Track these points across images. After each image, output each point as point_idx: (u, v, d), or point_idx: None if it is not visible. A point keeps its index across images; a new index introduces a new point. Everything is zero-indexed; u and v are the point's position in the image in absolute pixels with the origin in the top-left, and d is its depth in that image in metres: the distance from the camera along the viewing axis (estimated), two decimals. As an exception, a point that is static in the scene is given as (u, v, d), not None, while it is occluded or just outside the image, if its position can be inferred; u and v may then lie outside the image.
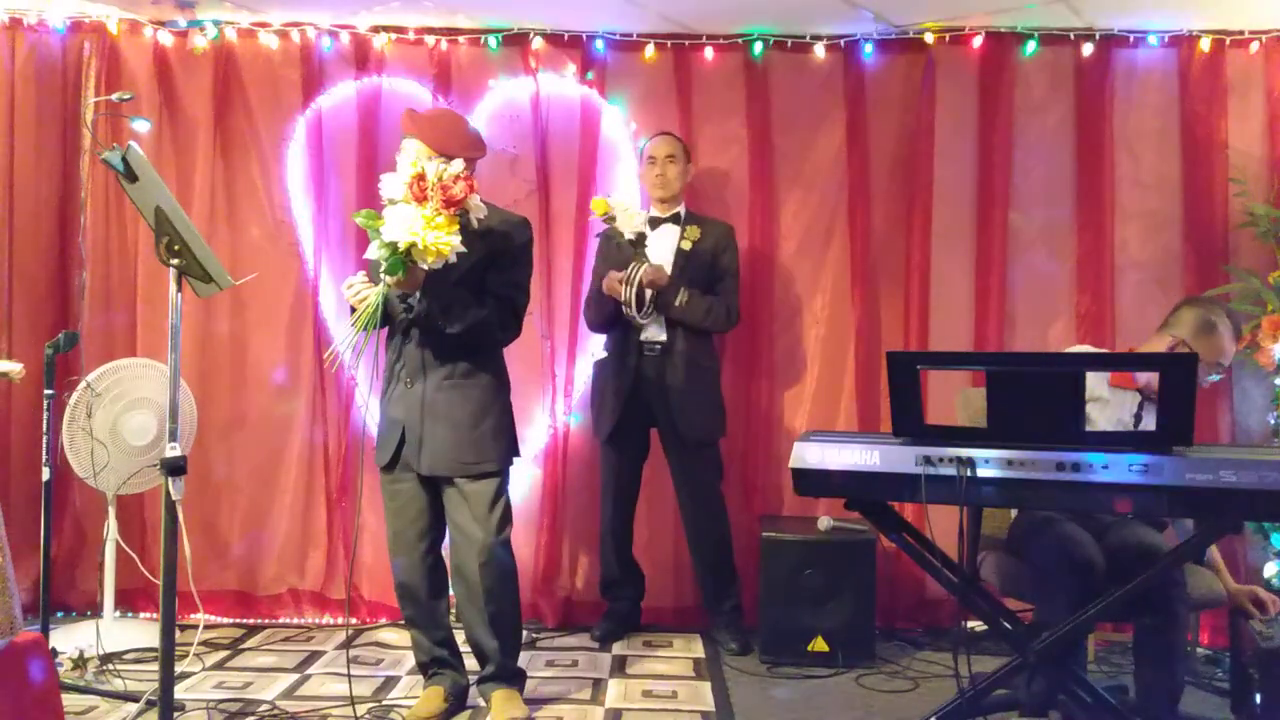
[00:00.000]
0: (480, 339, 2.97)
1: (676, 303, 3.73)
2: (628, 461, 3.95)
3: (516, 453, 3.13)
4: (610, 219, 3.64)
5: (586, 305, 4.00)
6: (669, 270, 3.75)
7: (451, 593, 3.14)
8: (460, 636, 3.19)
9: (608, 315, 3.83)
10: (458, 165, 2.72)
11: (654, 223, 3.85)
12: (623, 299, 3.71)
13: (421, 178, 2.63)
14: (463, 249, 2.72)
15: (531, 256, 3.16)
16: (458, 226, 2.67)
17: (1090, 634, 3.24)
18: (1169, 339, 2.94)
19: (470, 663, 3.23)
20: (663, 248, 3.81)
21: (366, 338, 2.77)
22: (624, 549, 3.99)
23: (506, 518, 3.04)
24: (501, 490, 3.03)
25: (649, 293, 3.71)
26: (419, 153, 2.83)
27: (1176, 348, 2.91)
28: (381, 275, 2.74)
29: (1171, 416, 2.39)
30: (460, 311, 2.89)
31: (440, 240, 2.62)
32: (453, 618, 3.20)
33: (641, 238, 3.67)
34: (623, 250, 3.75)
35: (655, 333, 3.81)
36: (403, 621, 4.02)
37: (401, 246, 2.63)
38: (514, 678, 3.11)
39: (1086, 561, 2.74)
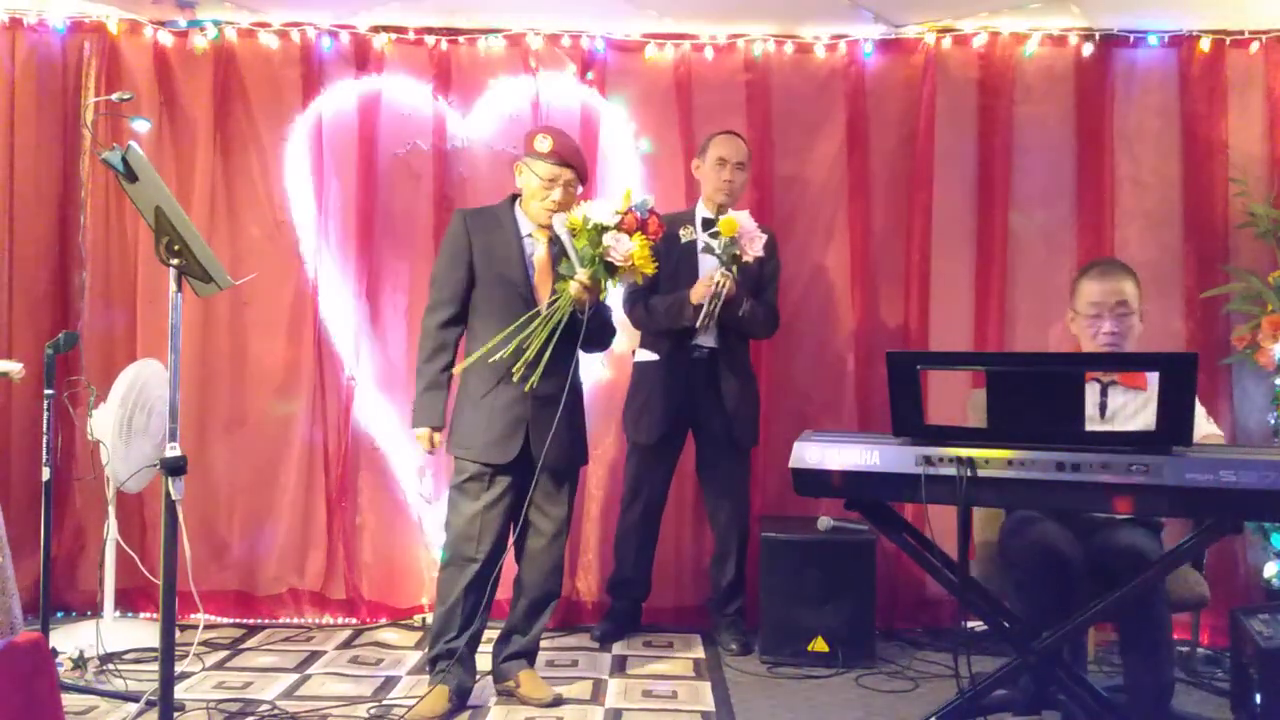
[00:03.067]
0: (603, 342, 3.37)
1: (741, 312, 3.69)
2: (667, 464, 3.93)
3: None
4: (728, 243, 3.52)
5: (642, 308, 3.82)
6: None
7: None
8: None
9: (678, 323, 3.73)
10: (650, 201, 3.13)
11: (706, 224, 3.75)
12: (704, 312, 3.61)
13: (631, 212, 3.02)
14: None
15: None
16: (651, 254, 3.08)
17: (1088, 633, 3.24)
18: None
19: (481, 663, 3.27)
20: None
21: (550, 347, 3.04)
22: (648, 551, 3.97)
23: None
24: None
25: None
26: (570, 180, 3.14)
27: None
28: (577, 282, 3.01)
29: (1171, 416, 2.39)
30: (601, 325, 3.27)
31: (647, 265, 3.05)
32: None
33: (755, 260, 3.61)
34: (676, 255, 3.70)
35: (705, 339, 3.78)
36: (412, 621, 4.08)
37: (623, 264, 3.00)
38: (536, 654, 3.38)
39: (1057, 557, 2.76)
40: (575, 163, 3.17)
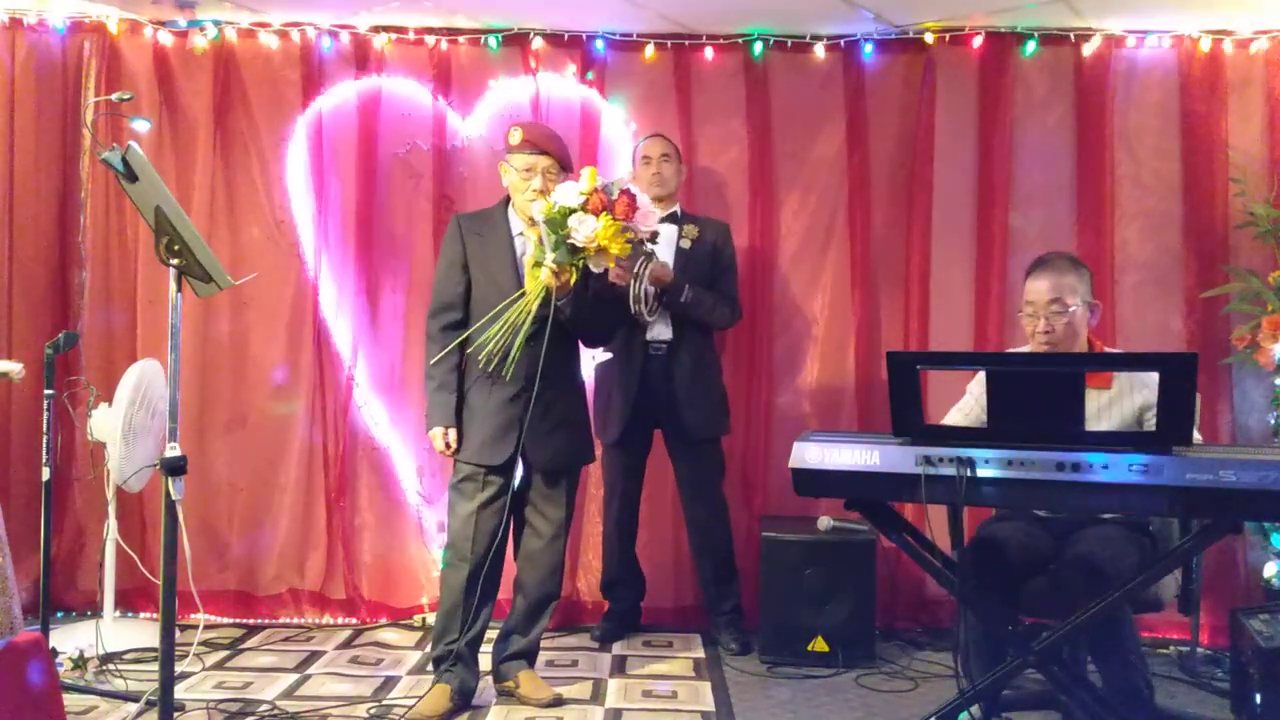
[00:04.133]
0: (596, 337, 3.34)
1: (683, 299, 3.72)
2: (634, 461, 3.94)
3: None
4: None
5: None
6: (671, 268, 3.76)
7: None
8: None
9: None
10: (626, 181, 3.02)
11: None
12: (631, 295, 3.68)
13: (598, 191, 2.90)
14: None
15: None
16: (627, 238, 2.94)
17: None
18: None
19: (481, 663, 3.27)
20: (662, 247, 3.79)
21: (523, 339, 3.00)
22: (627, 548, 4.00)
23: None
24: (578, 483, 3.39)
25: (652, 290, 3.70)
26: (548, 167, 3.10)
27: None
28: (547, 267, 2.94)
29: (1171, 416, 2.39)
30: (597, 312, 3.17)
31: (620, 247, 2.92)
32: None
33: (654, 235, 3.62)
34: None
35: (660, 331, 3.80)
36: (412, 621, 4.08)
37: (589, 248, 2.89)
38: (536, 655, 3.36)
39: (995, 546, 2.82)
40: (550, 148, 3.13)
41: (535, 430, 3.11)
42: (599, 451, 4.16)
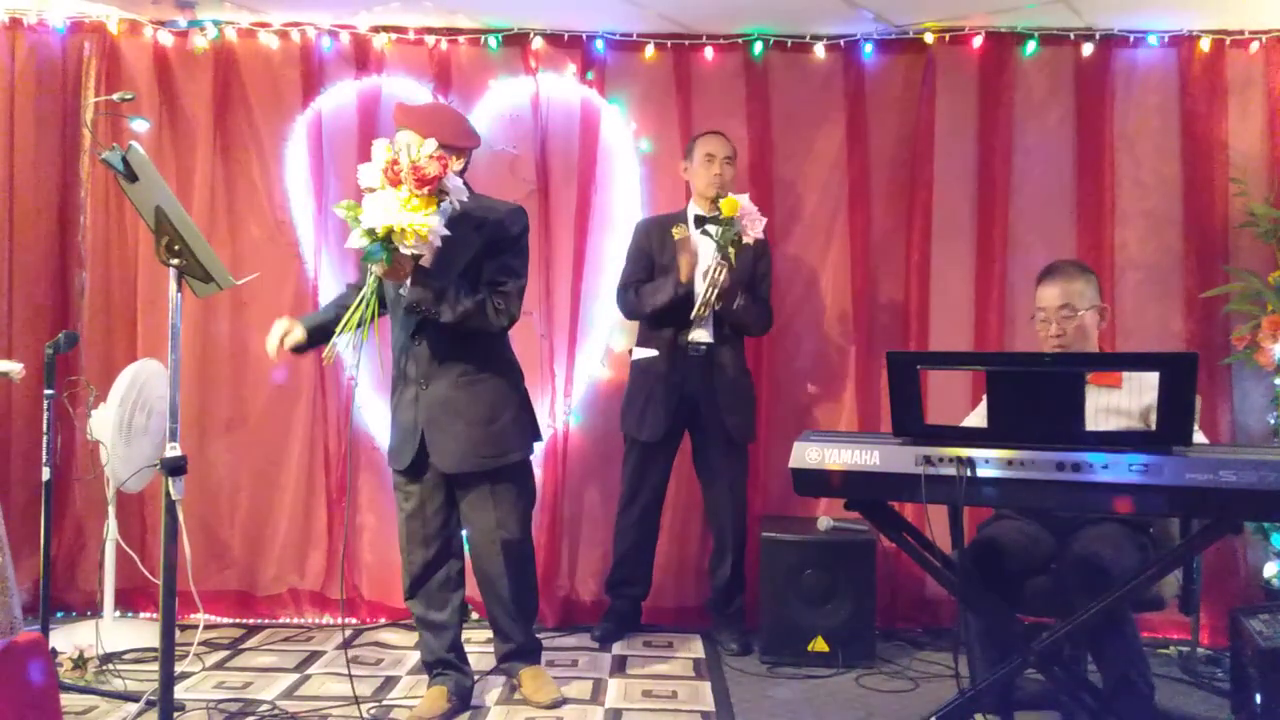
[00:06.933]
0: (478, 325, 2.96)
1: (735, 305, 3.71)
2: (665, 463, 3.93)
3: (538, 437, 3.23)
4: (728, 222, 3.53)
5: (632, 292, 3.85)
6: None
7: (467, 589, 3.21)
8: (467, 634, 3.24)
9: (666, 307, 3.73)
10: (430, 146, 2.71)
11: (699, 221, 3.76)
12: (701, 300, 3.66)
13: (395, 162, 2.65)
14: (445, 231, 2.74)
15: (527, 243, 3.16)
16: (435, 208, 2.67)
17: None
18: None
19: (477, 661, 3.27)
20: (710, 247, 3.70)
21: (365, 334, 2.82)
22: (647, 549, 3.98)
23: (530, 505, 3.20)
24: (524, 479, 3.17)
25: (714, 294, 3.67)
26: (407, 143, 2.81)
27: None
28: (368, 266, 2.77)
29: (1171, 416, 2.39)
30: (454, 297, 2.88)
31: (417, 222, 2.63)
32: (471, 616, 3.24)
33: (744, 240, 3.58)
34: (669, 253, 3.73)
35: (701, 334, 3.79)
36: (411, 621, 4.06)
37: (380, 231, 2.65)
38: (537, 651, 3.29)
39: (992, 547, 2.83)
40: (405, 121, 2.91)
41: (433, 431, 2.98)
42: (601, 451, 4.19)
